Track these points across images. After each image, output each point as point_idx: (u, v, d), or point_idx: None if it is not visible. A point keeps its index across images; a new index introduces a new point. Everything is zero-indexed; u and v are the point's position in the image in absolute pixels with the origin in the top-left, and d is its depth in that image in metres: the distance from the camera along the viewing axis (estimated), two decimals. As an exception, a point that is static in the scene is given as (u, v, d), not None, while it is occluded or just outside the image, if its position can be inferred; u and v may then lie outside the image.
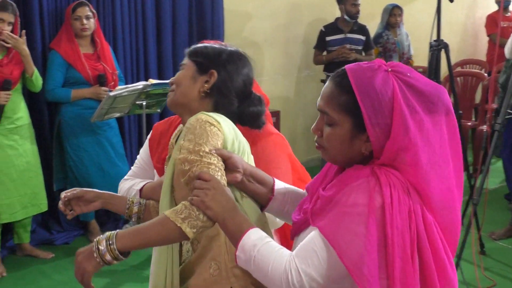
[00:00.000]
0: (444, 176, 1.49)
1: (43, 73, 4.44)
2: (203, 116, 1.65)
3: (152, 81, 4.49)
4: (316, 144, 1.57)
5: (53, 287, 4.06)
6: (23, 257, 4.47)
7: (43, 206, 4.41)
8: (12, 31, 4.08)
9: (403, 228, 1.41)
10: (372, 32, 6.35)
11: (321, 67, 6.18)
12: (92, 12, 4.50)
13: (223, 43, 1.87)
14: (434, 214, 1.48)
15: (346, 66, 1.53)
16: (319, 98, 1.56)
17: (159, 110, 4.81)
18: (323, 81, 6.09)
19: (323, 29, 6.11)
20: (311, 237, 1.45)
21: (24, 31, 4.14)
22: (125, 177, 2.25)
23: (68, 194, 1.92)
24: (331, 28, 6.09)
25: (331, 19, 6.19)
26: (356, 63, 1.54)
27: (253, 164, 1.80)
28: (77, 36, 4.46)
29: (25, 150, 4.25)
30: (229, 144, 1.68)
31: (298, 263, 1.43)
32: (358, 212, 1.40)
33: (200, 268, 1.71)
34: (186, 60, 1.83)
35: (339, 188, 1.47)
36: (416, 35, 6.83)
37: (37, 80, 4.23)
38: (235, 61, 1.80)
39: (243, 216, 1.57)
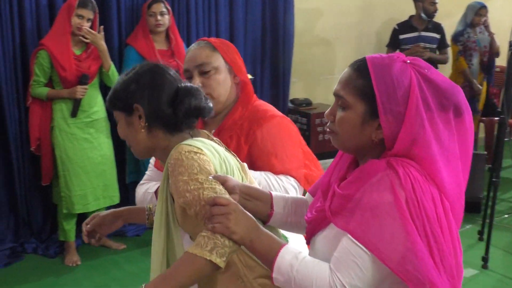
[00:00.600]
0: (454, 171, 1.48)
1: (119, 68, 4.55)
2: (184, 146, 1.60)
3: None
4: (328, 129, 1.56)
5: (124, 277, 4.15)
6: (96, 247, 4.59)
7: (115, 199, 4.51)
8: (91, 27, 4.20)
9: (433, 216, 1.40)
10: (448, 31, 6.19)
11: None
12: (167, 9, 4.58)
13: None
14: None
15: (367, 55, 1.53)
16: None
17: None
18: (396, 80, 5.98)
19: (396, 27, 6.01)
20: (346, 247, 1.41)
21: (102, 26, 4.26)
22: (141, 181, 2.28)
23: (88, 226, 1.96)
24: (405, 26, 5.98)
25: (404, 17, 6.08)
26: (378, 54, 1.54)
27: (245, 174, 1.78)
28: (152, 32, 4.55)
29: (100, 143, 4.37)
30: (218, 167, 1.64)
31: (341, 277, 1.40)
32: (386, 210, 1.38)
33: (223, 279, 1.66)
34: (114, 113, 1.76)
35: (357, 186, 1.45)
36: (495, 33, 6.62)
37: (113, 75, 4.34)
38: (141, 81, 1.70)
39: (268, 235, 1.52)
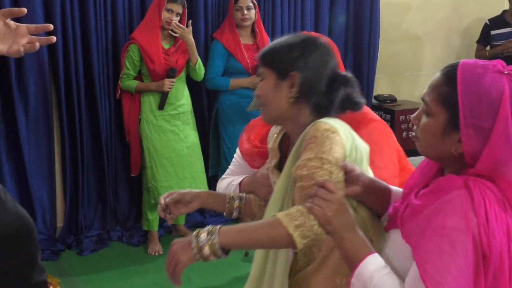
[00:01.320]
0: None
1: (205, 62, 4.61)
2: (322, 124, 1.57)
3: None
4: (414, 134, 1.49)
5: (204, 268, 4.19)
6: (178, 238, 4.67)
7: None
8: (179, 22, 4.28)
9: (501, 247, 1.28)
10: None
11: (484, 62, 5.87)
12: (253, 3, 4.58)
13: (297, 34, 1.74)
14: None
15: (462, 60, 1.41)
16: None
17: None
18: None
19: (488, 23, 5.78)
20: (415, 276, 1.33)
21: (190, 21, 4.32)
22: (223, 176, 2.23)
23: (167, 199, 1.89)
24: (497, 21, 5.74)
25: (496, 13, 5.85)
26: (475, 60, 1.41)
27: (369, 167, 1.72)
28: (238, 26, 4.57)
29: (186, 135, 4.44)
30: (348, 153, 1.59)
31: None
32: (452, 238, 1.28)
33: (318, 280, 1.63)
34: (262, 69, 1.71)
35: (430, 200, 1.36)
36: None
37: (200, 69, 4.40)
38: (309, 51, 1.66)
39: (362, 239, 1.47)
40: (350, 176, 1.57)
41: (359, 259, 1.43)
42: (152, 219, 4.46)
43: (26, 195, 4.27)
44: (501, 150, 1.33)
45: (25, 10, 1.91)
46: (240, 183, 2.09)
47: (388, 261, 1.46)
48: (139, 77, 4.38)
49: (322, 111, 1.68)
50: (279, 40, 1.72)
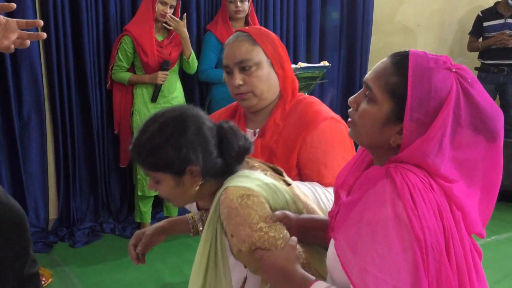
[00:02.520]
0: (465, 194, 1.32)
1: (198, 54, 4.60)
2: (232, 190, 1.53)
3: (302, 64, 4.50)
4: (349, 117, 1.44)
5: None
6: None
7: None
8: (173, 14, 4.27)
9: (435, 228, 1.26)
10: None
11: (476, 54, 5.88)
12: (247, -5, 4.58)
13: (158, 120, 1.60)
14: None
15: (412, 50, 1.36)
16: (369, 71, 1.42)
17: (306, 94, 4.81)
18: (478, 69, 5.80)
19: (481, 14, 5.79)
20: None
21: (185, 14, 4.31)
22: None
23: (138, 249, 1.96)
24: (490, 13, 5.76)
25: (489, 5, 5.86)
26: (424, 51, 1.36)
27: (296, 196, 1.69)
28: (232, 18, 4.56)
29: (177, 128, 4.43)
30: (272, 202, 1.57)
31: None
32: (386, 228, 1.25)
33: None
34: (150, 172, 1.61)
35: (358, 195, 1.34)
36: None
37: (193, 62, 4.40)
38: (188, 138, 1.56)
39: (300, 278, 1.46)
40: (283, 223, 1.56)
41: None
42: (145, 211, 4.47)
43: (19, 187, 4.26)
44: (432, 145, 1.30)
45: (14, 5, 1.89)
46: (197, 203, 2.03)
47: (331, 273, 1.46)
48: (131, 69, 4.38)
49: (225, 173, 1.63)
50: (148, 137, 1.58)
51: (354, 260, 1.28)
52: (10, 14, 1.93)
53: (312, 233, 1.61)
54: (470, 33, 5.87)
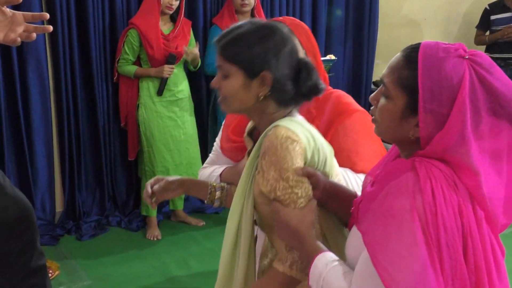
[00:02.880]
0: (494, 185, 1.32)
1: (203, 47, 4.60)
2: (282, 131, 1.54)
3: (307, 58, 4.49)
4: (371, 114, 1.45)
5: (202, 253, 4.23)
6: (177, 223, 4.71)
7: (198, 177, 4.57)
8: (178, 6, 4.27)
9: (452, 227, 1.25)
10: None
11: (483, 48, 5.85)
12: (252, -11, 4.58)
13: (254, 21, 1.64)
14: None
15: (424, 42, 1.35)
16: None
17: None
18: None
19: (488, 8, 5.76)
20: (364, 262, 1.33)
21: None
22: (204, 165, 2.24)
23: (155, 187, 1.93)
24: (497, 6, 5.72)
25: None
26: (436, 42, 1.35)
27: (335, 164, 1.71)
28: (238, 12, 4.55)
29: (183, 122, 4.45)
30: (309, 159, 1.58)
31: None
32: (401, 219, 1.26)
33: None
34: (225, 65, 1.61)
35: (381, 185, 1.34)
36: None
37: (198, 66, 4.45)
38: (278, 46, 1.59)
39: (311, 244, 1.49)
40: (310, 181, 1.56)
41: (310, 263, 1.47)
42: (151, 204, 4.47)
43: (25, 180, 4.28)
44: (453, 136, 1.29)
45: None
46: (221, 174, 2.08)
47: (348, 256, 1.47)
48: (137, 62, 4.38)
49: (289, 103, 1.65)
50: (240, 31, 1.61)
51: (381, 254, 1.29)
52: (16, 7, 1.93)
53: (336, 202, 1.62)
54: (477, 27, 5.84)
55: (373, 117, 1.44)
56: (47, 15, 1.92)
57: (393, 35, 5.90)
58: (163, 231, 4.50)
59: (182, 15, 4.34)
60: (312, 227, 1.53)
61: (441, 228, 1.25)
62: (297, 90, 1.63)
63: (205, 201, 1.98)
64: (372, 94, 1.45)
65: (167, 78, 4.28)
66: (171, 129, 4.39)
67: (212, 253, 4.16)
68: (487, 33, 5.80)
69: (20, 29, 1.89)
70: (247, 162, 1.66)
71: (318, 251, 1.47)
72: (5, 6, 1.88)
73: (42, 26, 1.93)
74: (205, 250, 4.26)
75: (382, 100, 1.40)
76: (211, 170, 2.16)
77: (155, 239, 4.42)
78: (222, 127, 2.23)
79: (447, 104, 1.29)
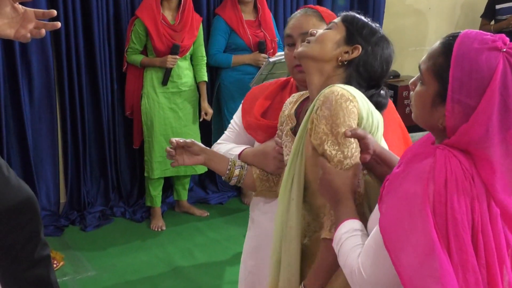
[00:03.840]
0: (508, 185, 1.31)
1: (207, 37, 4.60)
2: (338, 89, 1.57)
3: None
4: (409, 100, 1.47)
5: (207, 243, 4.24)
6: (181, 214, 4.71)
7: (198, 169, 4.57)
8: None
9: (462, 219, 1.25)
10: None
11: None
12: (256, -21, 4.56)
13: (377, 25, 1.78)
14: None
15: (465, 31, 1.35)
16: None
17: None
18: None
19: (493, -3, 5.74)
20: (375, 238, 1.36)
21: None
22: (219, 141, 2.21)
23: (181, 141, 1.97)
24: (502, -5, 5.70)
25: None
26: (478, 31, 1.35)
27: (383, 138, 1.72)
28: (240, 2, 4.53)
29: (185, 114, 4.45)
30: (364, 121, 1.60)
31: (362, 268, 1.37)
32: (411, 205, 1.28)
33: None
34: (339, 22, 1.74)
35: (405, 168, 1.36)
36: None
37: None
38: (383, 46, 1.71)
39: (346, 207, 1.52)
40: (360, 143, 1.58)
41: (338, 225, 1.50)
42: (155, 195, 4.48)
43: (29, 171, 4.28)
44: (477, 130, 1.29)
45: None
46: (239, 154, 2.07)
47: (369, 230, 1.49)
48: (144, 52, 4.38)
49: (354, 78, 1.70)
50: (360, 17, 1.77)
51: (393, 235, 1.32)
52: (23, 4, 1.95)
53: (382, 168, 1.63)
54: (482, 16, 5.81)
55: (410, 102, 1.46)
56: (55, 12, 1.95)
57: (398, 24, 5.88)
58: (167, 221, 4.50)
59: (187, 4, 4.32)
60: (353, 191, 1.55)
61: (449, 219, 1.26)
62: (365, 91, 1.68)
63: (223, 177, 2.00)
64: (412, 79, 1.46)
65: (171, 69, 4.27)
66: (172, 121, 4.40)
67: (216, 243, 4.17)
68: (492, 22, 5.77)
69: (30, 26, 1.92)
70: (301, 126, 1.68)
71: (348, 216, 1.50)
72: (17, 3, 1.89)
73: (51, 22, 1.95)
74: (209, 241, 4.27)
75: (418, 86, 1.41)
76: (228, 148, 2.12)
77: (160, 229, 4.42)
78: (241, 105, 2.19)
79: (476, 96, 1.28)
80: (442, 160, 1.29)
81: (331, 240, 1.53)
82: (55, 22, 1.94)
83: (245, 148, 2.08)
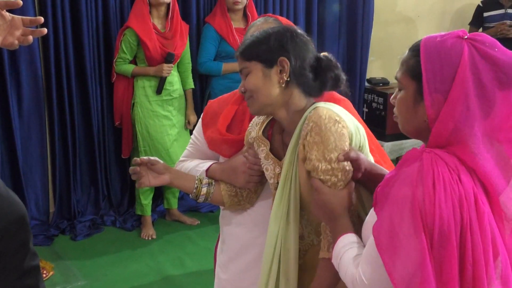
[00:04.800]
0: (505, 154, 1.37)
1: (197, 45, 4.60)
2: (324, 110, 1.60)
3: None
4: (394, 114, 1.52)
5: (198, 252, 4.23)
6: (171, 222, 4.70)
7: (192, 175, 4.57)
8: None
9: (448, 218, 1.31)
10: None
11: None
12: (245, -13, 4.57)
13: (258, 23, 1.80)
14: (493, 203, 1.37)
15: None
16: None
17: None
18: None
19: (481, 4, 5.76)
20: (372, 246, 1.39)
21: None
22: (181, 158, 2.18)
23: (145, 159, 1.93)
24: (490, 3, 5.72)
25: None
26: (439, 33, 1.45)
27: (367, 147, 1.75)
28: (230, 10, 4.54)
29: (178, 121, 4.47)
30: (354, 138, 1.63)
31: (362, 274, 1.41)
32: (401, 208, 1.33)
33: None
34: (244, 64, 1.72)
35: (394, 172, 1.41)
36: None
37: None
38: (290, 37, 1.71)
39: (342, 225, 1.56)
40: (353, 164, 1.62)
41: (335, 241, 1.55)
42: (146, 203, 4.47)
43: (18, 180, 4.26)
44: (458, 110, 1.35)
45: (21, 2, 1.89)
46: (207, 170, 2.03)
47: (364, 236, 1.53)
48: (133, 61, 4.37)
49: (313, 93, 1.72)
50: (255, 34, 1.74)
51: (385, 240, 1.36)
52: (10, 11, 1.95)
53: (374, 184, 1.64)
54: (470, 23, 5.84)
55: (394, 114, 1.51)
56: (42, 19, 1.95)
57: (388, 31, 5.90)
58: (158, 230, 4.49)
59: (175, 11, 4.33)
60: (348, 208, 1.59)
61: (436, 217, 1.31)
62: (319, 79, 1.71)
63: (190, 195, 1.98)
64: (392, 96, 1.53)
65: (166, 77, 4.27)
66: (168, 128, 4.40)
67: (207, 252, 4.16)
68: (480, 30, 5.81)
69: (18, 33, 1.92)
70: (287, 154, 1.69)
71: (345, 231, 1.55)
72: (4, 10, 1.89)
73: (39, 29, 1.95)
74: (200, 249, 4.26)
75: (398, 95, 1.48)
76: (194, 164, 2.09)
77: (150, 238, 4.41)
78: (201, 120, 2.16)
79: (449, 81, 1.36)
80: (428, 163, 1.35)
81: (329, 259, 1.57)
82: (42, 29, 1.94)
83: (212, 164, 2.05)
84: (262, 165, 1.87)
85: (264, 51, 1.69)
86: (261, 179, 1.94)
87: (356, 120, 1.69)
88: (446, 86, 1.36)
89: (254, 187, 1.97)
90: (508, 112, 1.37)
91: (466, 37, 1.39)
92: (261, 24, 2.05)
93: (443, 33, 1.43)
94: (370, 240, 1.41)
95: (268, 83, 1.69)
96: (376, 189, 1.48)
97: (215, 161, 2.07)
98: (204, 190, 1.97)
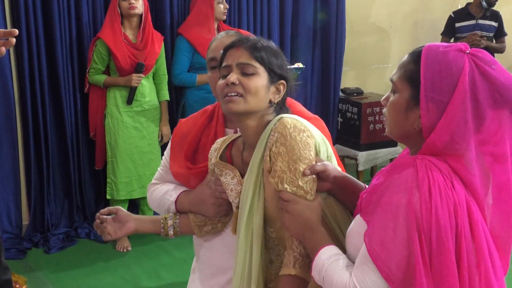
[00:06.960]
0: (503, 171, 1.40)
1: (171, 56, 4.59)
2: (289, 120, 1.60)
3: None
4: (383, 116, 1.54)
5: (173, 263, 4.21)
6: (146, 234, 4.66)
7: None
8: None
9: (445, 225, 1.32)
10: (505, 18, 6.00)
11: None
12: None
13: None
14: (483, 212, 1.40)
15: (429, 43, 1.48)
16: None
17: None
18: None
19: (452, 15, 5.86)
20: (364, 252, 1.39)
21: None
22: (153, 180, 2.17)
23: (105, 211, 1.94)
24: (461, 14, 5.82)
25: (461, 5, 5.93)
26: (440, 43, 1.46)
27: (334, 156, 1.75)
28: (205, 21, 4.54)
29: (149, 133, 4.45)
30: (321, 147, 1.64)
31: (356, 281, 1.40)
32: (396, 214, 1.34)
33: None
34: (255, 63, 1.70)
35: (384, 179, 1.42)
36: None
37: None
38: (285, 61, 1.77)
39: (319, 235, 1.55)
40: (321, 175, 1.61)
41: (315, 254, 1.52)
42: (120, 215, 4.42)
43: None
44: (455, 124, 1.37)
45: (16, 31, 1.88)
46: (175, 201, 2.03)
47: (349, 244, 1.52)
48: (106, 71, 4.36)
49: (283, 109, 1.74)
50: (265, 41, 1.76)
51: (378, 247, 1.36)
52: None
53: (345, 194, 1.67)
54: (443, 34, 5.92)
55: (383, 117, 1.52)
56: (16, 31, 1.92)
57: (361, 42, 5.96)
58: (133, 242, 4.46)
59: (147, 22, 4.33)
60: (321, 219, 1.58)
61: (433, 224, 1.32)
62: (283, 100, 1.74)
63: (161, 235, 1.99)
64: (384, 96, 1.53)
65: (136, 87, 4.25)
66: (136, 140, 4.38)
67: (182, 263, 4.14)
68: (452, 40, 5.89)
69: None
70: (250, 168, 1.68)
71: (324, 243, 1.53)
72: None
73: (9, 40, 1.92)
74: (176, 260, 4.24)
75: (391, 97, 1.49)
76: (163, 191, 2.09)
77: (125, 250, 4.38)
78: (169, 148, 2.14)
79: (448, 93, 1.37)
80: (423, 169, 1.36)
81: (295, 276, 1.55)
82: (10, 39, 1.91)
83: (180, 194, 2.04)
84: (226, 187, 1.84)
85: (277, 65, 1.72)
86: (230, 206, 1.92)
87: (320, 132, 1.69)
88: (443, 97, 1.38)
89: (225, 213, 1.96)
90: (495, 129, 1.39)
91: (468, 51, 1.40)
92: (222, 39, 2.05)
93: (445, 43, 1.44)
94: (362, 248, 1.40)
95: (265, 95, 1.70)
96: (360, 195, 1.50)
97: (183, 189, 2.06)
98: (170, 222, 1.98)
